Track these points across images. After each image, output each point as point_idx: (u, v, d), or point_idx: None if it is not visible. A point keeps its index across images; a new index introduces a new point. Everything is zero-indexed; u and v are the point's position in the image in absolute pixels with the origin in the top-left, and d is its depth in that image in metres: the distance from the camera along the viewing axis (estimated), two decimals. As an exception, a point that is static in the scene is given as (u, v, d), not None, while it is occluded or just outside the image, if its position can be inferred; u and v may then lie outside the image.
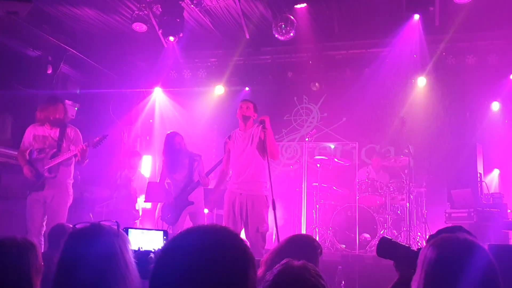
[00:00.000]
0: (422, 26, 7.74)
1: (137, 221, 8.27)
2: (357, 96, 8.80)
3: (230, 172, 5.78)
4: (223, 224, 5.50)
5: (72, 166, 5.93)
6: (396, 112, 8.51)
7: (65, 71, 8.66)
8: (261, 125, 5.29)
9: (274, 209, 4.94)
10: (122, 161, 8.85)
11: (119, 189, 8.28)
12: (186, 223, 6.53)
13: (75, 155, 5.65)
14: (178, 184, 6.55)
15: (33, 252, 2.37)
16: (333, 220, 7.51)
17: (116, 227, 2.07)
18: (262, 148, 5.32)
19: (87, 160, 5.88)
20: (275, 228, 5.00)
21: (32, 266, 2.33)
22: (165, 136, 6.77)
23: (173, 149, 6.57)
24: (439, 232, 2.20)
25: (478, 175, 7.46)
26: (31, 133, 5.84)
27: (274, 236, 4.90)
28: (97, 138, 5.71)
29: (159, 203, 7.84)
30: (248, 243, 5.39)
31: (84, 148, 5.59)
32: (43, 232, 5.56)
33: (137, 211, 8.33)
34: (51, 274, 2.42)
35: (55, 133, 5.82)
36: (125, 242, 2.03)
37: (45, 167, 5.65)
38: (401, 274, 2.39)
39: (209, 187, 6.67)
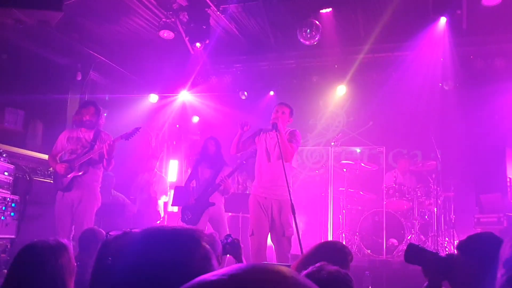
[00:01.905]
0: (449, 29, 7.64)
1: (158, 222, 8.37)
2: (383, 100, 8.74)
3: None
4: (250, 227, 5.53)
5: (101, 171, 6.08)
6: (423, 116, 8.42)
7: (94, 78, 8.83)
8: (274, 128, 5.28)
9: (293, 213, 4.90)
10: (143, 165, 8.97)
11: (141, 192, 8.41)
12: (208, 227, 6.57)
13: (102, 153, 5.80)
14: (201, 186, 6.65)
15: (65, 253, 2.44)
16: (360, 225, 7.48)
17: None
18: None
19: (113, 164, 6.01)
20: (296, 233, 4.95)
21: (65, 267, 2.39)
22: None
23: (204, 152, 6.83)
24: (469, 238, 2.19)
25: (508, 179, 7.33)
26: (65, 136, 6.06)
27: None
28: (130, 131, 5.88)
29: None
30: (274, 247, 5.43)
31: (111, 143, 5.73)
32: (71, 236, 5.69)
33: (159, 212, 8.44)
34: (82, 275, 2.49)
35: (89, 135, 6.00)
36: None
37: (76, 164, 5.81)
38: (430, 280, 2.38)
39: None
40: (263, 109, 9.32)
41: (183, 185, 8.46)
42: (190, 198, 6.66)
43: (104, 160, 5.90)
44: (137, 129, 5.92)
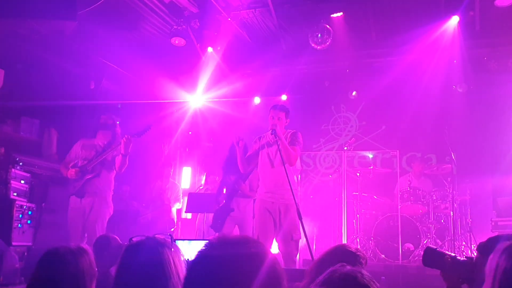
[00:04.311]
0: (461, 31, 7.59)
1: (173, 229, 8.38)
2: (396, 104, 8.67)
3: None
4: (255, 232, 5.51)
5: (113, 175, 6.11)
6: (437, 119, 8.35)
7: (106, 86, 8.88)
8: (273, 134, 5.26)
9: (300, 217, 4.81)
10: (156, 172, 8.98)
11: (154, 199, 8.43)
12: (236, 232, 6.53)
13: (114, 156, 5.85)
14: (227, 191, 6.61)
15: (86, 257, 2.50)
16: (374, 230, 7.41)
17: (170, 240, 2.16)
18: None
19: (127, 164, 6.03)
20: (305, 239, 4.83)
21: (86, 271, 2.46)
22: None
23: (232, 154, 6.50)
24: (490, 240, 2.16)
25: (525, 181, 7.25)
26: (80, 144, 6.12)
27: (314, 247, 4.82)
28: (141, 128, 5.92)
29: (199, 214, 7.94)
30: (281, 251, 5.36)
31: (128, 138, 5.77)
32: (84, 242, 5.73)
33: (172, 219, 8.45)
34: (99, 281, 2.53)
35: (103, 142, 6.04)
36: (178, 254, 2.11)
37: (88, 167, 5.87)
38: (448, 284, 2.35)
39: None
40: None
41: (196, 191, 8.48)
42: (219, 204, 6.60)
43: (119, 157, 5.91)
44: (148, 126, 5.97)
